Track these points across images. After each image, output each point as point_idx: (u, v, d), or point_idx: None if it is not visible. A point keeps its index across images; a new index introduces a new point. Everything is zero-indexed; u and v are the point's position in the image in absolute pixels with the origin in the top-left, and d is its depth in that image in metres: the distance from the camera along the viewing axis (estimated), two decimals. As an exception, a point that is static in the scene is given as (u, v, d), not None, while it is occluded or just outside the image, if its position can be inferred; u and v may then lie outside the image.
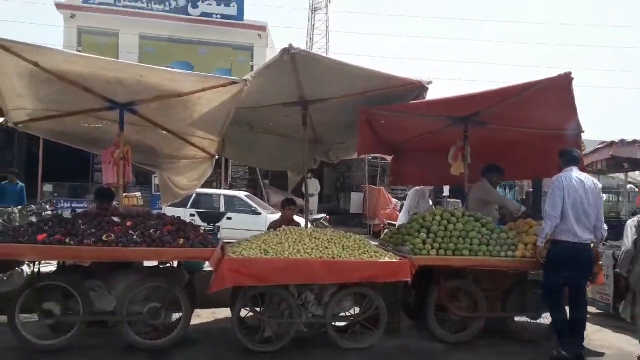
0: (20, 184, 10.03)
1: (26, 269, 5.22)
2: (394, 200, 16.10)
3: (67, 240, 4.35)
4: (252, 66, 21.36)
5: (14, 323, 4.50)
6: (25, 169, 13.01)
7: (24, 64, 4.25)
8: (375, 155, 14.84)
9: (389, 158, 9.35)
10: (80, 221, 4.64)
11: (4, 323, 4.58)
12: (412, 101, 5.54)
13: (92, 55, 4.46)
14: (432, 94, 5.56)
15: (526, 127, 5.89)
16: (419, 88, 5.49)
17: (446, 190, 11.01)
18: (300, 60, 4.78)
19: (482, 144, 6.26)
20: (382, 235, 7.84)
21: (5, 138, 17.01)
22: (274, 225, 5.90)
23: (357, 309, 5.15)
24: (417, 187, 8.16)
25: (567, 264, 4.76)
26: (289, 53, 4.61)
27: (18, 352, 4.53)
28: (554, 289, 4.89)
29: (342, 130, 6.75)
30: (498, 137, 6.25)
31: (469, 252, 5.09)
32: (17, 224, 8.12)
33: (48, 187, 14.73)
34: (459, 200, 7.76)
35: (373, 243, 5.52)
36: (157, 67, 4.64)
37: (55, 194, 14.21)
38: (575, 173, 4.89)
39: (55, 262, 5.13)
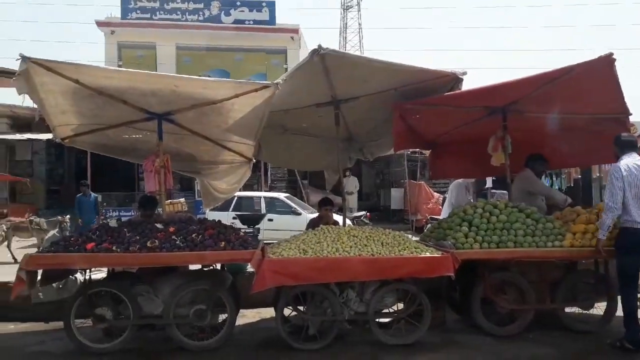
0: (94, 195, 10.82)
1: (79, 276, 5.49)
2: (435, 194, 15.86)
3: (114, 248, 4.53)
4: (286, 69, 21.59)
5: (70, 328, 4.73)
6: (76, 181, 13.66)
7: (66, 82, 4.47)
8: (414, 149, 14.66)
9: (427, 152, 9.23)
10: (125, 229, 4.82)
11: (62, 329, 4.82)
12: (446, 94, 5.44)
13: (128, 70, 4.64)
14: (468, 85, 5.46)
15: (568, 113, 5.66)
16: (454, 80, 5.40)
17: (489, 181, 10.74)
18: (330, 60, 4.79)
19: (523, 133, 6.08)
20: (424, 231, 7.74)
21: (56, 153, 17.96)
22: (313, 224, 5.94)
23: (400, 305, 5.12)
24: (458, 180, 8.01)
25: (638, 250, 4.56)
26: (318, 54, 4.62)
27: (76, 356, 4.75)
28: (627, 276, 4.66)
29: (376, 128, 6.72)
30: (539, 125, 6.04)
31: (514, 244, 4.95)
32: (67, 233, 8.57)
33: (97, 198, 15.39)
34: (505, 191, 7.55)
35: (414, 239, 5.46)
36: (190, 76, 4.77)
37: (105, 204, 14.84)
38: (634, 159, 4.66)
39: (105, 269, 5.34)
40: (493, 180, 10.60)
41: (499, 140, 5.96)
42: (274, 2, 23.28)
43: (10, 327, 5.82)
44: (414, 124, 6.22)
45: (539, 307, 5.17)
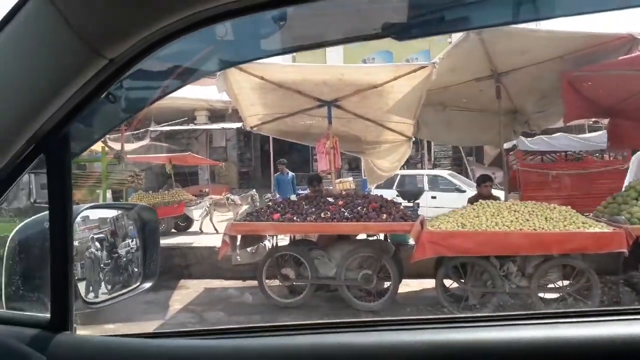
0: (291, 173, 10.44)
1: (267, 243, 6.52)
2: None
3: (294, 218, 5.34)
4: (449, 42, 20.99)
5: (262, 285, 5.71)
6: (261, 164, 15.40)
7: (254, 79, 5.37)
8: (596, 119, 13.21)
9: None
10: (303, 202, 5.61)
11: (256, 286, 5.83)
12: (623, 57, 5.03)
13: (301, 64, 5.37)
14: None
15: None
16: (630, 42, 4.97)
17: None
18: (487, 36, 4.84)
19: None
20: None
21: (244, 139, 20.46)
22: (471, 202, 6.04)
23: (566, 282, 4.99)
24: (641, 152, 7.20)
25: None
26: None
27: (267, 307, 5.70)
28: None
29: (542, 98, 6.45)
30: None
31: None
32: (257, 204, 9.91)
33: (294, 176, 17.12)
34: None
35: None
36: (353, 65, 5.32)
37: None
38: None
39: (288, 236, 6.25)
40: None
41: (692, 105, 5.28)
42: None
43: (216, 283, 7.16)
44: (586, 92, 5.82)
45: None
